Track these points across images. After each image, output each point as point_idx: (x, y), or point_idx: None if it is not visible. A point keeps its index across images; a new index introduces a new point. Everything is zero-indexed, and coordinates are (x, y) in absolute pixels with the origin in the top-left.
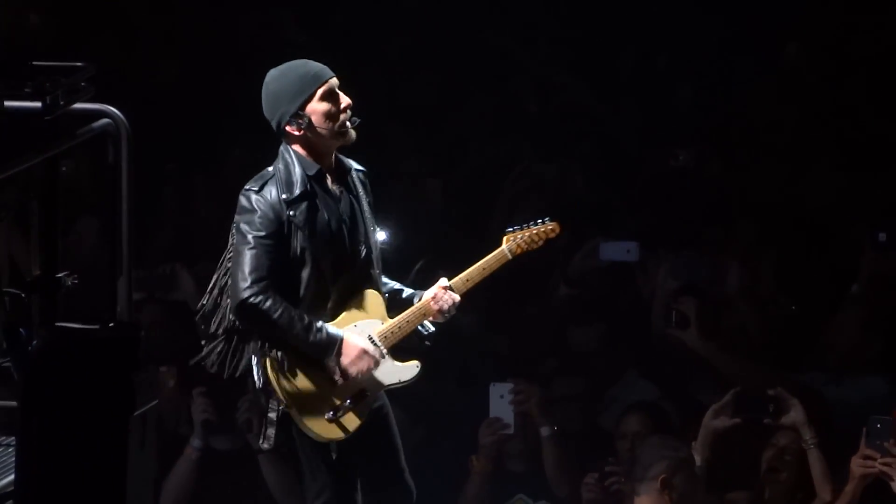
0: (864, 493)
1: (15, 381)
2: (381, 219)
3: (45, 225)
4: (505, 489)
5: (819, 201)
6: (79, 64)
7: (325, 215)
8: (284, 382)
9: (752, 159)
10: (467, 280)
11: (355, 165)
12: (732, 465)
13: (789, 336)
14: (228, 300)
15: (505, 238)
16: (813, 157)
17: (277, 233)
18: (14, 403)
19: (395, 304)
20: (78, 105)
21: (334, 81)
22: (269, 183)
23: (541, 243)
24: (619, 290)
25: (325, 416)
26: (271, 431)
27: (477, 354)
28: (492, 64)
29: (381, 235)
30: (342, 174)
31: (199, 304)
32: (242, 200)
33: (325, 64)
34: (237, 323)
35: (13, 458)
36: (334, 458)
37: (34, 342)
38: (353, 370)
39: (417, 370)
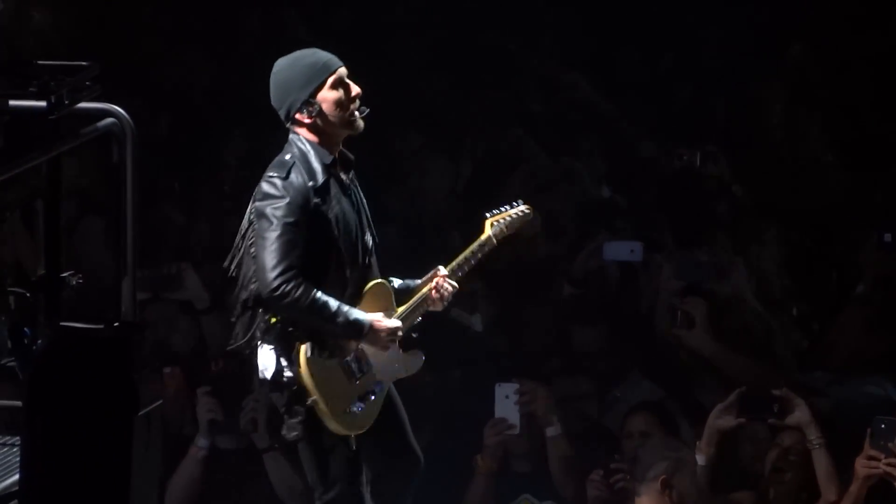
0: (869, 494)
1: (19, 380)
2: (387, 215)
3: (50, 224)
4: (510, 489)
5: (824, 201)
6: (83, 63)
7: (343, 204)
8: (311, 376)
9: (758, 159)
10: (458, 270)
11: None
12: (737, 465)
13: (794, 336)
14: (253, 286)
15: (488, 224)
16: (818, 157)
17: (304, 220)
18: (18, 403)
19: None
20: (83, 104)
21: (343, 70)
22: (293, 170)
23: (518, 227)
24: (623, 290)
25: (349, 410)
26: (294, 420)
27: (482, 354)
28: (497, 63)
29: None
30: (347, 165)
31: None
32: (267, 187)
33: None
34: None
35: (17, 458)
36: (353, 449)
37: (39, 342)
38: (384, 348)
39: (423, 360)
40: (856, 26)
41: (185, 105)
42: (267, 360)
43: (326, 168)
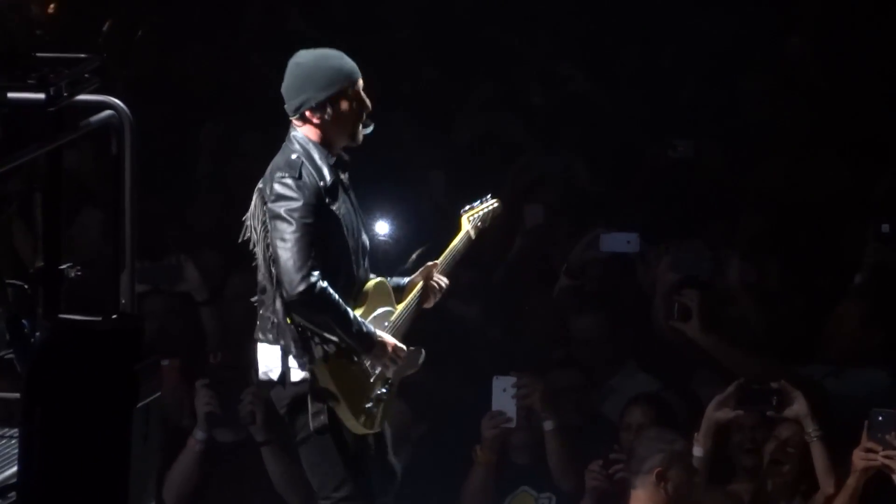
0: (866, 486)
1: (18, 372)
2: (385, 211)
3: (49, 216)
4: (509, 481)
5: (822, 192)
6: (82, 55)
7: (347, 204)
8: (334, 376)
9: (755, 151)
10: (445, 267)
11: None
12: (735, 458)
13: (791, 328)
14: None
15: (465, 219)
16: (816, 148)
17: (318, 220)
18: (17, 395)
19: None
20: (81, 96)
21: (361, 83)
22: (303, 170)
23: (489, 222)
24: (620, 282)
25: (366, 408)
26: (316, 422)
27: (479, 347)
28: (494, 55)
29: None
30: (344, 165)
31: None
32: (281, 188)
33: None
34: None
35: (16, 450)
36: (373, 450)
37: (37, 334)
38: (389, 365)
39: (423, 356)
40: (855, 19)
41: (185, 97)
42: (269, 359)
43: (331, 168)
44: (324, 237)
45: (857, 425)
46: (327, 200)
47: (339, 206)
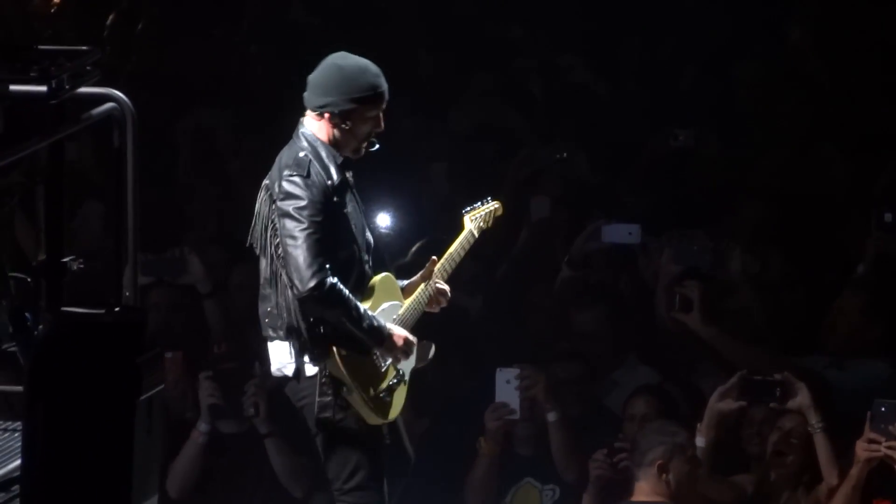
0: (869, 477)
1: (21, 365)
2: (385, 203)
3: (51, 209)
4: (513, 473)
5: (824, 182)
6: (84, 48)
7: (353, 202)
8: (346, 368)
9: (756, 142)
10: (448, 268)
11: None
12: (738, 449)
13: (792, 320)
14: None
15: (467, 218)
16: (817, 138)
17: (327, 218)
18: (20, 388)
19: None
20: (83, 89)
21: (384, 105)
22: (311, 168)
23: (490, 223)
24: (622, 273)
25: (380, 399)
26: (328, 415)
27: (482, 339)
28: (494, 46)
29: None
30: (349, 164)
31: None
32: (289, 186)
33: (326, 45)
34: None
35: (19, 443)
36: (388, 441)
37: (40, 327)
38: (400, 358)
39: (433, 349)
40: (855, 8)
41: (185, 88)
42: (282, 355)
43: (338, 167)
44: (333, 235)
45: (858, 416)
46: (335, 199)
47: (346, 204)
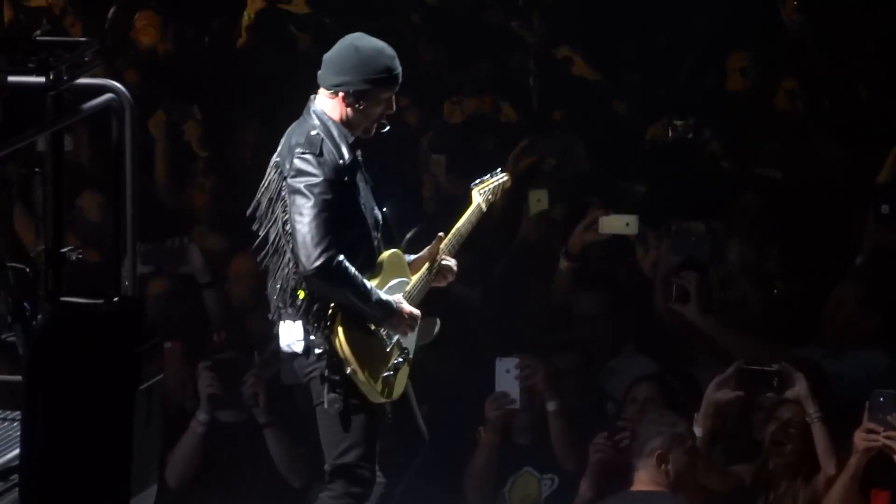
0: (868, 467)
1: (20, 355)
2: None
3: (50, 200)
4: (512, 462)
5: (821, 173)
6: (82, 39)
7: (362, 181)
8: (349, 346)
9: (754, 133)
10: (455, 243)
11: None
12: (736, 439)
13: (790, 310)
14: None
15: (475, 192)
16: (815, 129)
17: (337, 196)
18: (19, 378)
19: None
20: (82, 80)
21: (398, 87)
22: (323, 146)
23: (499, 195)
24: (619, 264)
25: (384, 378)
26: (334, 395)
27: (481, 329)
28: (493, 38)
29: None
30: (357, 143)
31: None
32: (301, 164)
33: (326, 37)
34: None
35: (18, 433)
36: (390, 419)
37: (39, 317)
38: (405, 332)
39: (439, 326)
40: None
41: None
42: (291, 333)
43: (349, 147)
44: (342, 213)
45: (856, 407)
46: (346, 178)
47: (356, 183)
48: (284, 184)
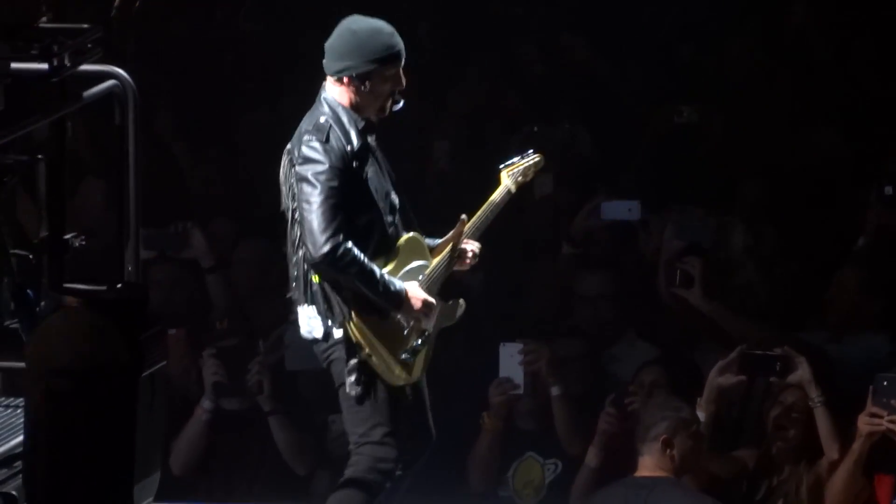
0: (871, 452)
1: (23, 342)
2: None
3: (53, 187)
4: (516, 448)
5: (823, 157)
6: (85, 25)
7: (375, 166)
8: (365, 330)
9: (757, 117)
10: (481, 224)
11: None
12: (739, 424)
13: (793, 295)
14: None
15: (504, 173)
16: (818, 113)
17: (345, 183)
18: (22, 365)
19: None
20: (85, 67)
21: (403, 62)
22: (331, 133)
23: (532, 176)
24: (622, 250)
25: (401, 359)
26: (353, 378)
27: (485, 315)
28: (494, 24)
29: None
30: (371, 128)
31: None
32: (308, 151)
33: (327, 25)
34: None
35: (21, 420)
36: (410, 399)
37: (42, 304)
38: (418, 321)
39: (464, 307)
40: None
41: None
42: (310, 318)
43: (359, 132)
44: (351, 200)
45: (859, 391)
46: (355, 164)
47: (367, 169)
48: (293, 171)
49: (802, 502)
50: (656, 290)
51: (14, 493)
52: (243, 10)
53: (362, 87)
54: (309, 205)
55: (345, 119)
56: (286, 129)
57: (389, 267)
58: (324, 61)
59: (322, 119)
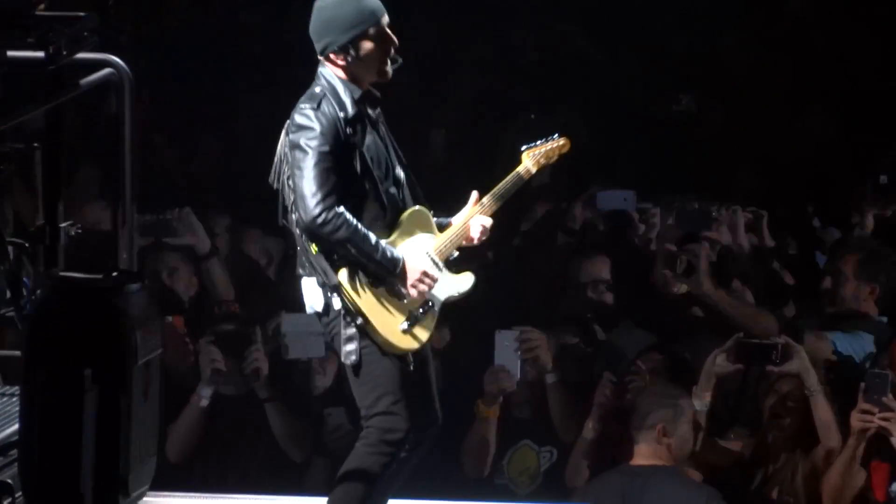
0: (867, 440)
1: (19, 330)
2: None
3: (49, 175)
4: (511, 435)
5: (819, 147)
6: (82, 14)
7: (373, 136)
8: (360, 297)
9: (753, 106)
10: (494, 201)
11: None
12: (735, 412)
13: (790, 283)
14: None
15: (524, 154)
16: (814, 101)
17: (337, 149)
18: (18, 353)
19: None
20: (81, 55)
21: (386, 20)
22: (323, 101)
23: (555, 159)
24: (618, 238)
25: (400, 328)
26: (351, 346)
27: (480, 303)
28: (491, 12)
29: None
30: (374, 101)
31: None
32: (300, 118)
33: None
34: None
35: (17, 408)
36: (411, 369)
37: (38, 292)
38: (415, 290)
39: (473, 280)
40: None
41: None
42: (312, 292)
43: (355, 102)
44: (346, 167)
45: (855, 379)
46: (348, 131)
47: (363, 138)
48: (286, 139)
49: (798, 490)
50: (652, 278)
51: (9, 481)
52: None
53: (349, 58)
54: (300, 170)
55: (340, 89)
56: (283, 117)
57: (391, 238)
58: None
59: (317, 90)
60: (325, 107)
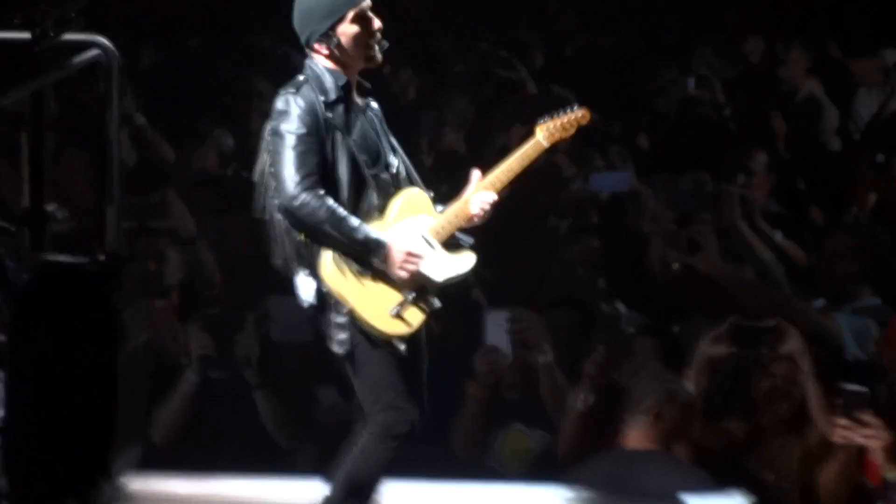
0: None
1: (3, 314)
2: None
3: (34, 157)
4: (501, 417)
5: (813, 128)
6: None
7: (358, 121)
8: (345, 284)
9: (747, 87)
10: (502, 178)
11: (372, 103)
12: (729, 395)
13: (787, 263)
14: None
15: (538, 128)
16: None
17: (317, 132)
18: (2, 337)
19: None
20: (68, 36)
21: (367, 3)
22: (304, 86)
23: (572, 131)
24: (612, 221)
25: (390, 312)
26: (343, 336)
27: (472, 284)
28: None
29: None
30: (363, 91)
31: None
32: (279, 104)
33: None
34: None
35: (2, 393)
36: (403, 353)
37: (23, 276)
38: (399, 273)
39: (473, 260)
40: None
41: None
42: (306, 285)
43: (339, 88)
44: (329, 151)
45: (852, 364)
46: (328, 115)
47: (347, 122)
48: (269, 126)
49: (793, 474)
50: (646, 260)
51: None
52: None
53: (332, 46)
54: (278, 155)
55: (325, 76)
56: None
57: (385, 221)
58: None
59: (301, 77)
60: (304, 91)
